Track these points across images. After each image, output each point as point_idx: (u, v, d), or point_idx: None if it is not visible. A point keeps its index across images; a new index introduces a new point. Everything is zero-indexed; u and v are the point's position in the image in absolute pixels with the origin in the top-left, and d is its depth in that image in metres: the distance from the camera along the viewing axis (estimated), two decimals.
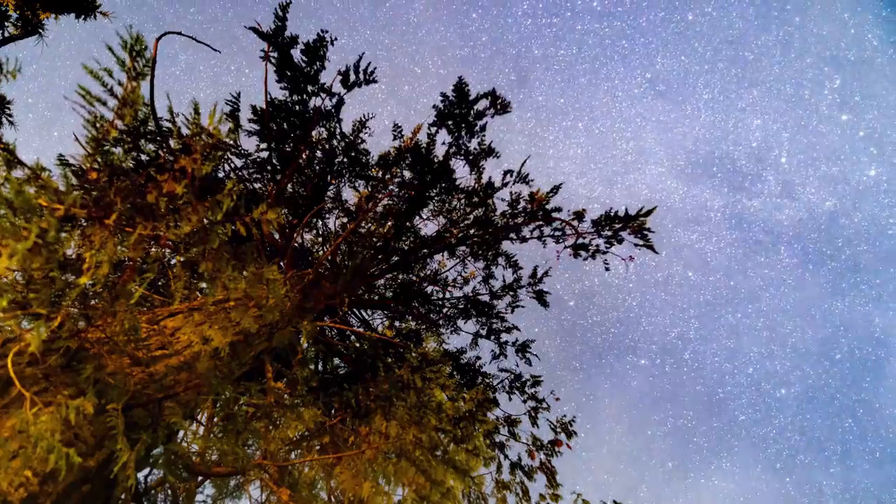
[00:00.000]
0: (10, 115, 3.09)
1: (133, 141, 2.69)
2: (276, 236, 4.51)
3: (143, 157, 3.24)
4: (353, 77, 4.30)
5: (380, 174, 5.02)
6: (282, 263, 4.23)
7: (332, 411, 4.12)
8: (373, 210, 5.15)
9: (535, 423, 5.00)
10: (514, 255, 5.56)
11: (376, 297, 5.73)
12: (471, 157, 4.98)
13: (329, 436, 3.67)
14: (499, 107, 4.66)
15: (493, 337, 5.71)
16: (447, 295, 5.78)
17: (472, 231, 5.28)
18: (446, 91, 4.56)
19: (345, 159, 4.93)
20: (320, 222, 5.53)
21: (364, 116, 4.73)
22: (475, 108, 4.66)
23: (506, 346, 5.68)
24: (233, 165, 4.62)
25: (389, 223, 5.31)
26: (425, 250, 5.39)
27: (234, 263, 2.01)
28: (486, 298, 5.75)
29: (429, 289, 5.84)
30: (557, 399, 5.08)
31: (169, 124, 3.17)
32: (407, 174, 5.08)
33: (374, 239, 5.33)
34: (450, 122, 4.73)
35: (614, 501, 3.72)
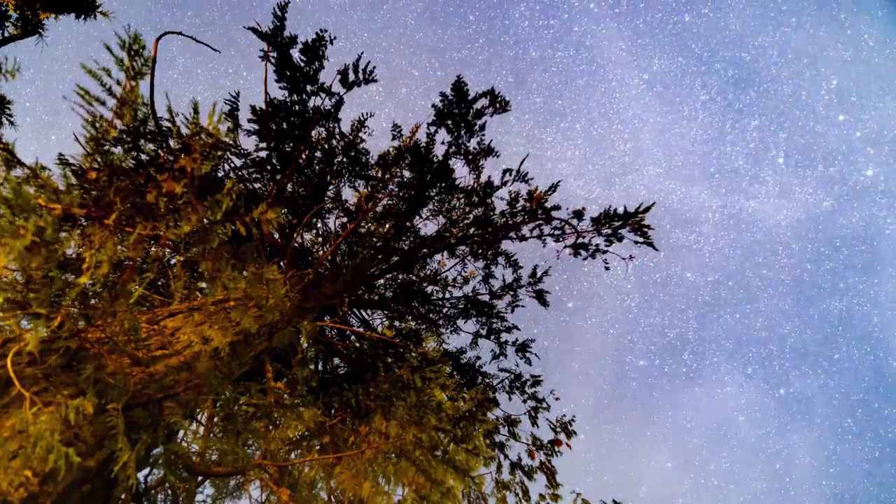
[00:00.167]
0: (11, 115, 3.08)
1: (132, 140, 2.69)
2: (276, 236, 4.51)
3: (143, 156, 3.24)
4: (352, 76, 4.30)
5: (379, 174, 5.02)
6: (282, 263, 4.23)
7: (332, 411, 4.11)
8: (373, 210, 5.14)
9: (535, 423, 5.00)
10: (514, 254, 5.56)
11: (376, 297, 5.73)
12: (470, 157, 4.98)
13: (329, 436, 3.67)
14: (498, 106, 4.66)
15: (493, 337, 5.71)
16: (447, 295, 5.78)
17: (471, 230, 5.28)
18: (444, 92, 4.57)
19: (344, 159, 4.93)
20: (320, 222, 5.52)
21: (363, 116, 4.74)
22: (474, 107, 4.66)
23: (506, 345, 5.68)
24: (232, 165, 4.62)
25: (389, 223, 5.31)
26: (425, 250, 5.39)
27: (233, 263, 2.01)
28: (486, 298, 5.75)
29: (429, 288, 5.84)
30: (557, 399, 5.08)
31: (168, 124, 3.16)
32: (406, 174, 5.08)
33: (374, 239, 5.32)
34: (449, 122, 4.73)
35: (614, 501, 3.73)
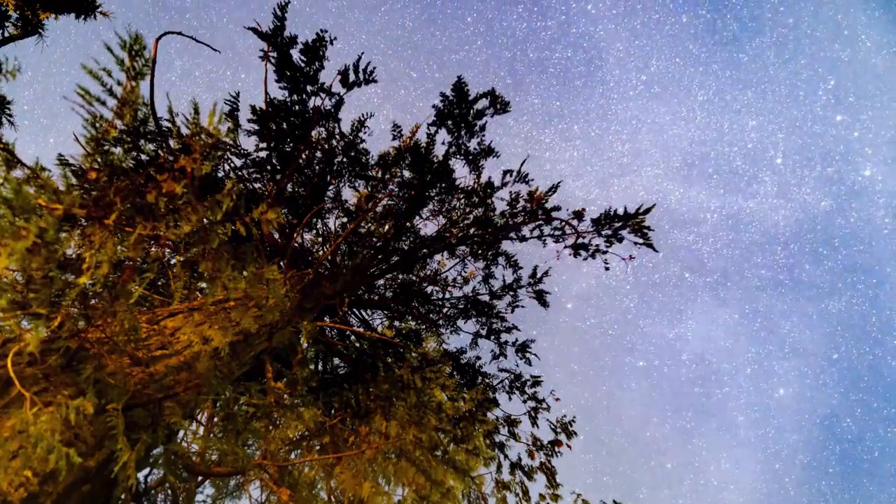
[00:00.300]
0: (11, 115, 3.08)
1: (133, 141, 2.69)
2: (276, 236, 4.51)
3: (143, 156, 3.24)
4: (352, 77, 4.30)
5: (379, 174, 5.02)
6: (282, 263, 4.22)
7: (332, 411, 4.11)
8: (373, 210, 5.14)
9: (535, 424, 5.00)
10: (514, 254, 5.56)
11: (376, 297, 5.73)
12: (470, 157, 4.98)
13: (329, 436, 3.67)
14: (498, 106, 4.66)
15: (493, 337, 5.71)
16: (447, 295, 5.78)
17: (471, 231, 5.28)
18: (444, 92, 4.57)
19: (344, 159, 4.93)
20: (320, 222, 5.52)
21: (363, 116, 4.74)
22: (474, 107, 4.66)
23: (506, 346, 5.68)
24: (232, 165, 4.62)
25: (389, 223, 5.31)
26: (425, 250, 5.39)
27: (233, 263, 2.01)
28: (486, 298, 5.75)
29: (429, 289, 5.84)
30: (557, 399, 5.08)
31: (168, 124, 3.16)
32: (406, 174, 5.08)
33: (374, 239, 5.32)
34: (449, 122, 4.73)
35: (614, 501, 3.73)
